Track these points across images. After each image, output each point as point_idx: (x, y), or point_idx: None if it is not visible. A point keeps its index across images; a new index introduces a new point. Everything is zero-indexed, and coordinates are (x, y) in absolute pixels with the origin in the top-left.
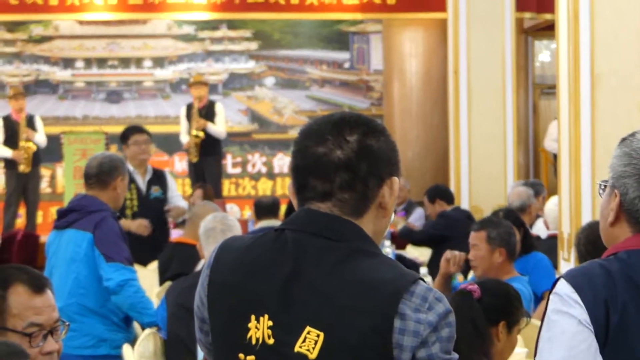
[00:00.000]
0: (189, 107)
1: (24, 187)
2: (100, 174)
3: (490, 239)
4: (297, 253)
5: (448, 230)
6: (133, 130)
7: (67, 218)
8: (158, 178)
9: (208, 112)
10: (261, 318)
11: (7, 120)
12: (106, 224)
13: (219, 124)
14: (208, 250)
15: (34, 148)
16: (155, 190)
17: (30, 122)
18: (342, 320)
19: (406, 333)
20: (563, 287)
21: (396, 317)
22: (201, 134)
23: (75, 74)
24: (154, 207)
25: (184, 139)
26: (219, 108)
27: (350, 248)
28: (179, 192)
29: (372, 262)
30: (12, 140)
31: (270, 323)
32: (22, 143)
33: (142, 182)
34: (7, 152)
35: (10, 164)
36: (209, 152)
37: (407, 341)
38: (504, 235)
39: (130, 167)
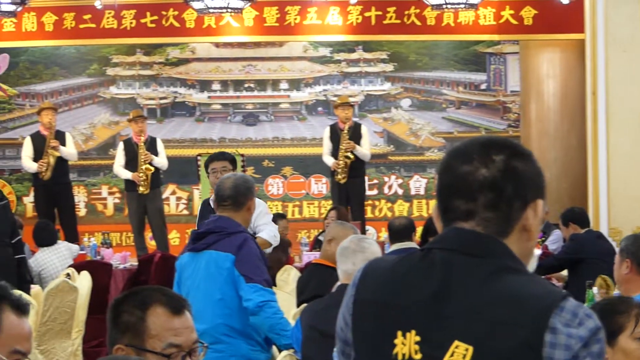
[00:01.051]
0: (334, 129)
1: (145, 208)
2: (236, 195)
3: (620, 249)
4: (445, 269)
5: (579, 252)
6: (211, 158)
7: (205, 240)
8: None
9: (354, 134)
10: (408, 334)
11: (128, 143)
12: (248, 245)
13: (364, 146)
14: (341, 270)
15: (152, 170)
16: None
17: (152, 145)
18: (493, 334)
19: (557, 347)
20: None
21: (547, 331)
22: (352, 156)
23: (211, 96)
24: None
25: (328, 160)
26: (364, 130)
27: (499, 265)
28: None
29: (520, 279)
30: (133, 162)
31: (418, 338)
32: (141, 165)
33: None
34: (127, 174)
35: (131, 186)
36: (355, 173)
37: (559, 355)
38: (631, 247)
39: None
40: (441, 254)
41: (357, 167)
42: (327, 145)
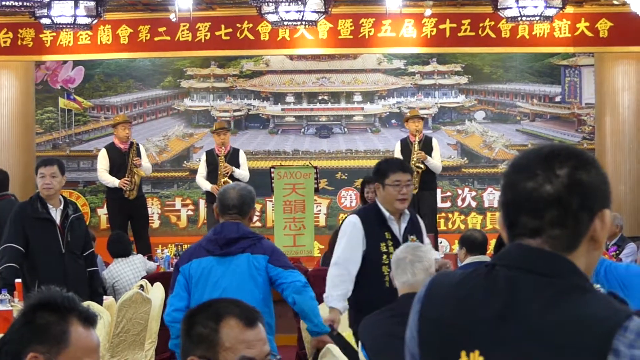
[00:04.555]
0: (405, 142)
1: None
2: (242, 205)
3: None
4: (509, 289)
5: None
6: (393, 167)
7: (239, 244)
8: (413, 225)
9: (424, 147)
10: (472, 354)
11: (210, 154)
12: (277, 247)
13: (435, 159)
14: (399, 281)
15: (230, 183)
16: (413, 241)
17: (234, 157)
18: (556, 357)
19: None
20: None
21: (610, 354)
22: (423, 166)
23: (285, 108)
24: None
25: None
26: (435, 143)
27: (563, 284)
28: None
29: (585, 299)
30: (215, 174)
31: (481, 359)
32: (221, 177)
33: (398, 230)
34: (207, 186)
35: (211, 197)
36: (426, 185)
37: None
38: None
39: (386, 213)
40: (506, 272)
41: (428, 180)
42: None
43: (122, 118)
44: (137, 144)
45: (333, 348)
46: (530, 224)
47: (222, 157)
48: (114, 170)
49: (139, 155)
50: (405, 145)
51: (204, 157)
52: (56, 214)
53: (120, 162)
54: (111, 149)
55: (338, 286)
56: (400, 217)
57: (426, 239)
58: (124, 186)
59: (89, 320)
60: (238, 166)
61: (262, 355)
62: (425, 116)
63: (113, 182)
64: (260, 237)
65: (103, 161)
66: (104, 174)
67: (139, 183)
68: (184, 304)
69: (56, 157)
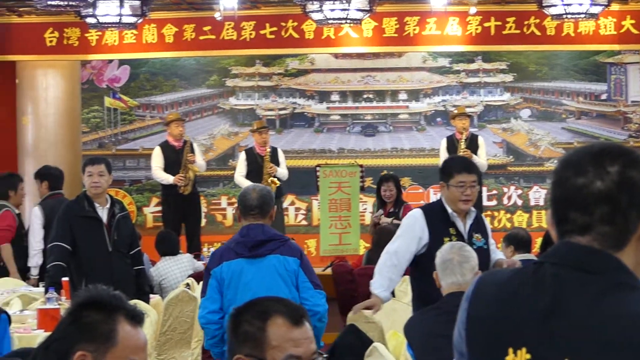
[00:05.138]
0: (451, 139)
1: None
2: (262, 205)
3: None
4: (556, 286)
5: None
6: (458, 168)
7: (267, 246)
8: (479, 224)
9: (470, 144)
10: (519, 351)
11: (250, 153)
12: (303, 252)
13: (481, 157)
14: (445, 282)
15: (278, 184)
16: (478, 239)
17: (273, 155)
18: (604, 354)
19: None
20: None
21: None
22: None
23: (330, 107)
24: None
25: None
26: (481, 141)
27: (611, 281)
28: None
29: (633, 296)
30: (255, 173)
31: (528, 356)
32: (266, 177)
33: (463, 227)
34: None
35: None
36: None
37: None
38: None
39: (449, 210)
40: (553, 269)
41: None
42: (444, 156)
43: (175, 116)
44: (191, 142)
45: (379, 346)
46: (579, 220)
47: (267, 157)
48: (168, 168)
49: (192, 152)
50: (452, 143)
51: (243, 156)
52: (103, 213)
53: (174, 159)
54: (165, 146)
55: (383, 274)
56: (465, 215)
57: (491, 239)
58: (179, 182)
59: (136, 318)
60: (277, 164)
61: (309, 354)
62: (471, 114)
63: (167, 179)
64: (286, 239)
65: (157, 159)
66: (158, 172)
67: (193, 179)
68: (217, 305)
69: (103, 156)
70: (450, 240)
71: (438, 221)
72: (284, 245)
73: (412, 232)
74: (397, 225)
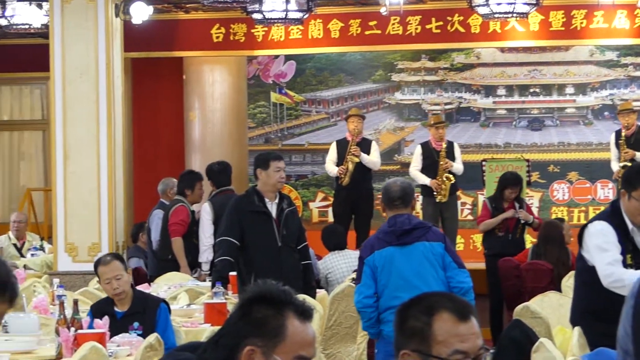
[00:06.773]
0: (619, 134)
1: (441, 214)
2: (404, 196)
3: None
4: None
5: None
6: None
7: (414, 234)
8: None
9: (636, 140)
10: None
11: (426, 147)
12: (445, 236)
13: None
14: None
15: (453, 180)
16: None
17: (449, 149)
18: None
19: None
20: None
21: None
22: (629, 164)
23: (496, 101)
24: None
25: (615, 167)
26: None
27: None
28: None
29: None
30: (431, 168)
31: None
32: (441, 173)
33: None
34: (425, 180)
35: (428, 191)
36: None
37: None
38: None
39: (629, 224)
40: None
41: None
42: (614, 151)
43: (355, 112)
44: (370, 141)
45: (547, 342)
46: None
47: (443, 152)
48: (340, 163)
49: (367, 149)
50: (619, 137)
51: (419, 150)
52: (272, 208)
53: (344, 155)
54: (340, 142)
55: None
56: None
57: None
58: (339, 173)
59: (305, 314)
60: (453, 159)
61: (475, 349)
62: (638, 109)
63: (333, 171)
64: (429, 225)
65: (331, 153)
66: (329, 165)
67: (352, 170)
68: (371, 291)
69: (271, 150)
70: (630, 257)
71: (618, 235)
72: (428, 232)
73: (614, 241)
74: (562, 220)
